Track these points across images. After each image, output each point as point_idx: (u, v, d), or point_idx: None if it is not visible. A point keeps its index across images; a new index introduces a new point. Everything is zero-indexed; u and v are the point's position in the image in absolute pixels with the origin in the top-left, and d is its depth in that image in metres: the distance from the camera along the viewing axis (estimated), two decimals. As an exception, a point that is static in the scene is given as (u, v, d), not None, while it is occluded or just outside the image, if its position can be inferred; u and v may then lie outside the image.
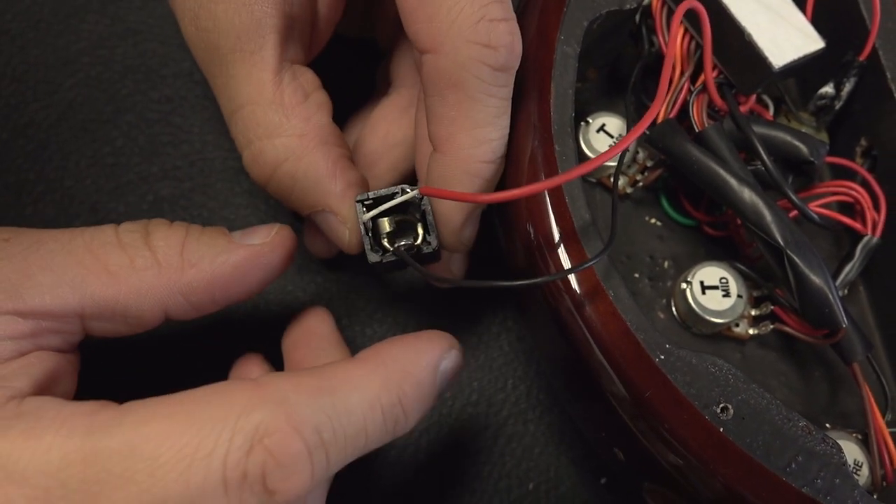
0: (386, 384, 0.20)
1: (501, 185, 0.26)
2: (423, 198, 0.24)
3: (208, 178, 0.32)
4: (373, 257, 0.24)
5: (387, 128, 0.29)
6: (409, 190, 0.24)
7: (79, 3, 0.34)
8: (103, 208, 0.31)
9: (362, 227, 0.24)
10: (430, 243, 0.25)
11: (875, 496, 0.23)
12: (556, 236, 0.24)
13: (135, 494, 0.16)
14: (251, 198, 0.32)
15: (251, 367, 0.26)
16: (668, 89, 0.28)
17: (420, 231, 0.25)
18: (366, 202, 0.24)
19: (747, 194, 0.25)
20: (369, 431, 0.19)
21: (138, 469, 0.16)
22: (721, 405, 0.22)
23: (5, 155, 0.32)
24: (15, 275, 0.21)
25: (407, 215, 0.25)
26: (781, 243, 0.25)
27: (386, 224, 0.25)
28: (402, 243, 0.25)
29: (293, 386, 0.18)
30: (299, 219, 0.32)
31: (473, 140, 0.24)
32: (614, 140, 0.29)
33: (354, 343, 0.30)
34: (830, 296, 0.25)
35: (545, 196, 0.24)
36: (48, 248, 0.22)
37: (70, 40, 0.34)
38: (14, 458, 0.16)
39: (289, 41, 0.26)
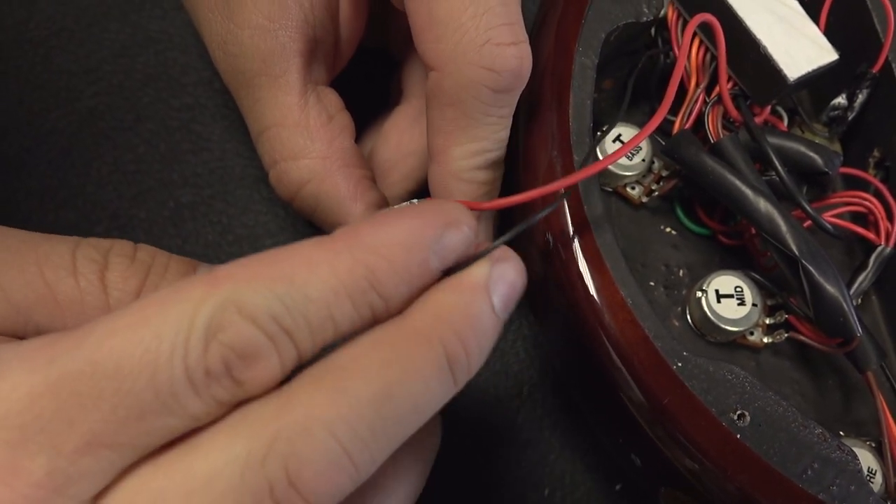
0: (353, 268, 0.18)
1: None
2: None
3: (228, 185, 0.33)
4: None
5: (398, 137, 0.30)
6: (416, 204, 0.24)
7: (101, 12, 0.35)
8: (125, 214, 0.32)
9: None
10: None
11: (889, 504, 0.23)
12: (571, 232, 0.24)
13: (109, 411, 0.16)
14: (271, 205, 0.33)
15: None
16: (684, 101, 0.28)
17: None
18: None
19: (762, 205, 0.25)
20: (338, 321, 0.18)
21: (106, 386, 0.16)
22: (738, 412, 0.23)
23: (28, 161, 0.32)
24: None
25: None
26: (797, 253, 0.25)
27: None
28: None
29: (247, 276, 0.17)
30: (316, 228, 0.32)
31: (466, 152, 0.25)
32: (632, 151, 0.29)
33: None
34: (845, 305, 0.25)
35: (563, 201, 0.24)
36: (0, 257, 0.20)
37: (92, 49, 0.34)
38: None
39: (312, 63, 0.27)
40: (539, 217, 0.23)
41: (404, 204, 0.25)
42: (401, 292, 0.19)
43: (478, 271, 0.19)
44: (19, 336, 0.20)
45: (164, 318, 0.17)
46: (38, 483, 0.16)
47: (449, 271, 0.19)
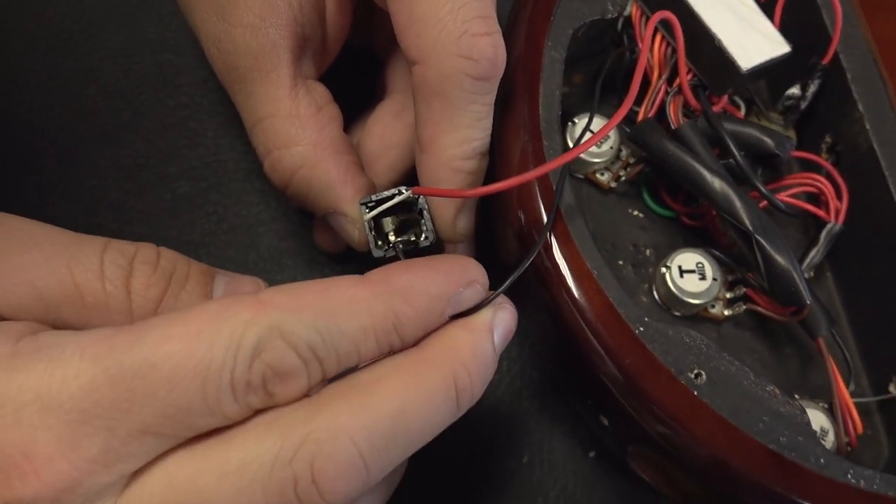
0: (385, 313, 0.21)
1: (493, 179, 0.29)
2: (418, 197, 0.27)
3: (222, 178, 0.35)
4: (377, 252, 0.27)
5: (382, 131, 0.32)
6: (404, 191, 0.26)
7: (101, 17, 0.37)
8: (125, 207, 0.34)
9: (366, 225, 0.27)
10: (427, 238, 0.27)
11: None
12: (545, 218, 0.26)
13: (161, 407, 0.18)
14: (263, 196, 0.35)
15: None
16: (647, 92, 0.30)
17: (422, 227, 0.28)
18: (368, 204, 0.27)
19: (718, 184, 0.28)
20: (362, 353, 0.21)
21: (161, 385, 0.18)
22: (695, 371, 0.25)
23: (33, 158, 0.34)
24: None
25: (412, 213, 0.28)
26: (750, 228, 0.27)
27: (388, 223, 0.27)
28: (401, 239, 0.27)
29: (293, 306, 0.20)
30: (307, 215, 0.34)
31: (454, 141, 0.27)
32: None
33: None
34: (795, 275, 0.27)
35: (534, 184, 0.26)
36: (31, 258, 0.22)
37: (92, 51, 0.36)
38: (46, 389, 0.18)
39: (302, 59, 0.29)
40: (528, 262, 0.25)
41: (394, 190, 0.26)
42: (417, 335, 0.22)
43: (484, 315, 0.23)
44: (48, 325, 0.22)
45: (216, 334, 0.19)
46: (92, 458, 0.18)
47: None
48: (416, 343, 0.22)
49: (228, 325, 0.19)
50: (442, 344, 0.22)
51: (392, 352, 0.22)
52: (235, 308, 0.19)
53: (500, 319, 0.23)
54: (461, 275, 0.23)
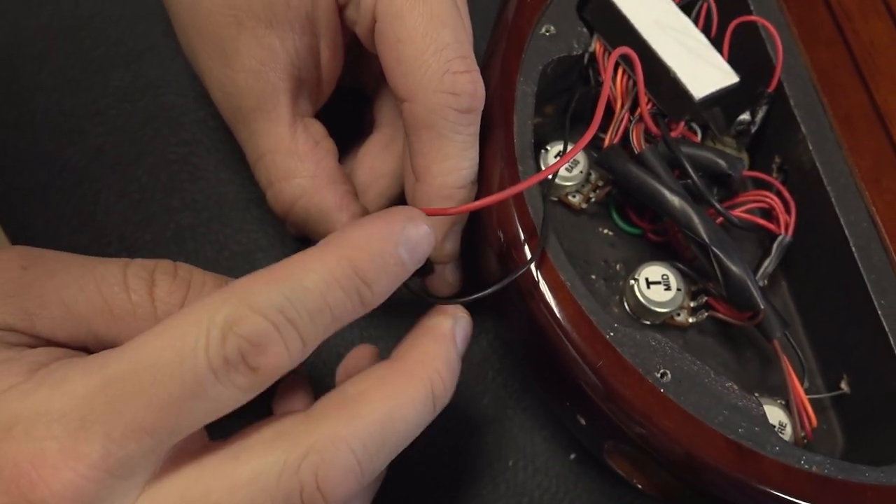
0: (339, 261, 0.22)
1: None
2: None
3: (223, 209, 0.37)
4: None
5: (371, 161, 0.34)
6: None
7: (105, 61, 0.39)
8: (131, 237, 0.36)
9: None
10: None
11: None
12: (521, 236, 0.29)
13: (147, 400, 0.20)
14: (261, 225, 0.37)
15: None
16: (612, 121, 0.33)
17: None
18: None
19: (678, 202, 0.30)
20: (332, 305, 0.22)
21: (145, 380, 0.20)
22: (661, 371, 0.27)
23: (44, 193, 0.37)
24: (31, 304, 0.23)
25: None
26: (707, 241, 0.30)
27: None
28: None
29: (253, 280, 0.21)
30: (303, 241, 0.36)
31: (444, 170, 0.29)
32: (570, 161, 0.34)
33: (354, 345, 0.35)
34: (749, 283, 0.30)
35: (512, 206, 0.29)
36: (62, 279, 0.24)
37: (98, 94, 0.39)
38: (49, 404, 0.20)
39: (299, 99, 0.32)
40: (517, 275, 0.28)
41: None
42: (380, 278, 0.24)
43: (446, 325, 0.26)
44: (80, 342, 0.24)
45: (189, 320, 0.21)
46: (94, 465, 0.20)
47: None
48: (385, 296, 0.24)
49: (200, 311, 0.21)
50: (416, 354, 0.25)
51: (363, 302, 0.23)
52: (206, 299, 0.21)
53: (460, 328, 0.27)
54: (399, 214, 0.24)
